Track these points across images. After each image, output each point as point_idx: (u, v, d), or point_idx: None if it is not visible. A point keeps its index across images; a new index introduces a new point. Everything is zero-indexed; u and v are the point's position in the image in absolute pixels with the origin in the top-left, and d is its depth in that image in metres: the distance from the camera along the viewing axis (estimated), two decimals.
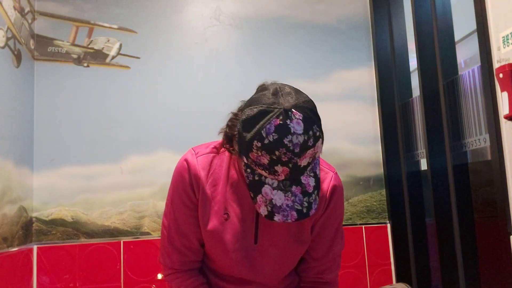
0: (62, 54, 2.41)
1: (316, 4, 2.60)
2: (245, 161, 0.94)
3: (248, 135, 0.90)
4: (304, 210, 0.94)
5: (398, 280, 2.37)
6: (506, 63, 1.41)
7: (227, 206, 1.08)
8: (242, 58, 2.52)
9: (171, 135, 2.41)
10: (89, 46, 2.43)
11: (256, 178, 0.94)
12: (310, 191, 0.95)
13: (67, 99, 2.39)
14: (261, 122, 0.89)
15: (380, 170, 2.51)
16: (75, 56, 2.42)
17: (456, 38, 2.00)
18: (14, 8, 2.14)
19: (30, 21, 2.34)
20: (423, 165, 2.23)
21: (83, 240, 2.30)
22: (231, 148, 1.05)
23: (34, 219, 2.28)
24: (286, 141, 0.87)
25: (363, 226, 2.46)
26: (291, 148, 0.88)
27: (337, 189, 1.14)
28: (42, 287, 2.22)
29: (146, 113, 2.42)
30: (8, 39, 2.07)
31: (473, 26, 1.62)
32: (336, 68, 2.55)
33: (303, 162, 0.91)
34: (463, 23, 2.18)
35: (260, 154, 0.89)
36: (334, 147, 2.50)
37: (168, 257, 1.14)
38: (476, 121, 1.77)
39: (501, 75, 1.41)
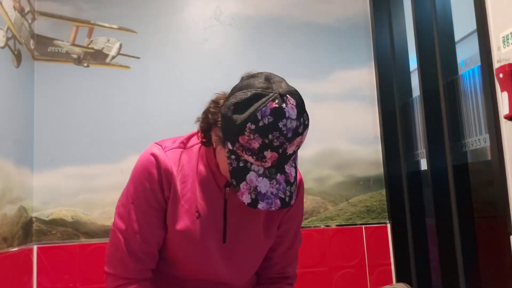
0: (62, 54, 2.41)
1: (316, 4, 2.60)
2: (230, 147, 0.91)
3: (241, 117, 0.87)
4: (287, 199, 0.92)
5: (398, 280, 2.37)
6: (506, 63, 1.41)
7: (197, 204, 1.03)
8: (242, 58, 2.52)
9: (171, 135, 2.40)
10: (89, 46, 2.43)
11: (241, 164, 0.90)
12: (292, 181, 0.93)
13: (67, 99, 2.38)
14: (256, 105, 0.87)
15: (380, 170, 2.51)
16: (75, 56, 2.42)
17: (456, 38, 2.00)
18: (14, 8, 2.14)
19: (30, 21, 2.34)
20: (423, 165, 2.23)
21: (83, 240, 2.30)
22: (205, 140, 1.02)
23: (34, 219, 2.28)
24: (280, 124, 0.86)
25: (363, 226, 2.45)
26: (284, 132, 0.86)
27: (302, 183, 1.14)
28: (42, 287, 2.22)
29: (146, 113, 2.41)
30: (8, 39, 2.07)
31: (473, 26, 1.62)
32: (336, 68, 2.55)
33: (290, 150, 0.90)
34: (463, 23, 2.18)
35: (252, 137, 0.87)
36: (334, 147, 2.50)
37: (121, 265, 1.03)
38: (476, 121, 1.77)
39: (501, 75, 1.41)
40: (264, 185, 0.90)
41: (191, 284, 1.10)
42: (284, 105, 0.87)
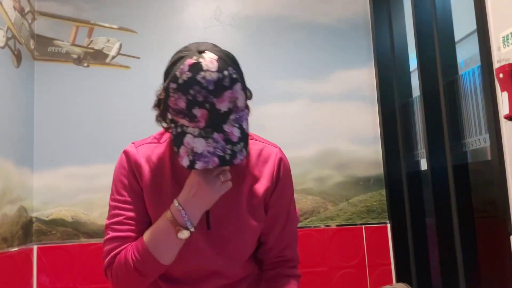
0: (62, 54, 2.41)
1: (316, 4, 2.60)
2: (169, 116, 0.93)
3: (166, 82, 0.92)
4: (227, 157, 0.90)
5: (398, 280, 2.37)
6: (506, 63, 1.41)
7: (174, 194, 1.01)
8: (242, 58, 2.48)
9: None
10: (89, 46, 2.43)
11: (179, 130, 0.92)
12: (235, 140, 0.91)
13: (67, 99, 2.38)
14: (176, 66, 0.91)
15: (380, 170, 2.51)
16: (75, 56, 2.42)
17: (456, 38, 2.00)
18: (14, 8, 2.14)
19: (30, 21, 2.34)
20: (423, 165, 2.23)
21: (83, 240, 2.30)
22: (166, 127, 1.03)
23: (34, 219, 2.28)
24: (199, 77, 0.87)
25: (363, 226, 2.45)
26: (204, 84, 0.87)
27: (283, 161, 1.12)
28: (42, 287, 2.22)
29: (146, 113, 2.40)
30: (8, 39, 2.07)
31: (473, 26, 1.62)
32: (336, 68, 2.55)
33: (222, 107, 0.89)
34: (463, 23, 2.18)
35: (176, 97, 0.89)
36: (334, 147, 2.50)
37: (115, 243, 1.02)
38: (476, 121, 1.77)
39: (501, 75, 1.41)
40: (200, 145, 0.90)
41: (183, 277, 1.07)
42: (201, 59, 0.89)
